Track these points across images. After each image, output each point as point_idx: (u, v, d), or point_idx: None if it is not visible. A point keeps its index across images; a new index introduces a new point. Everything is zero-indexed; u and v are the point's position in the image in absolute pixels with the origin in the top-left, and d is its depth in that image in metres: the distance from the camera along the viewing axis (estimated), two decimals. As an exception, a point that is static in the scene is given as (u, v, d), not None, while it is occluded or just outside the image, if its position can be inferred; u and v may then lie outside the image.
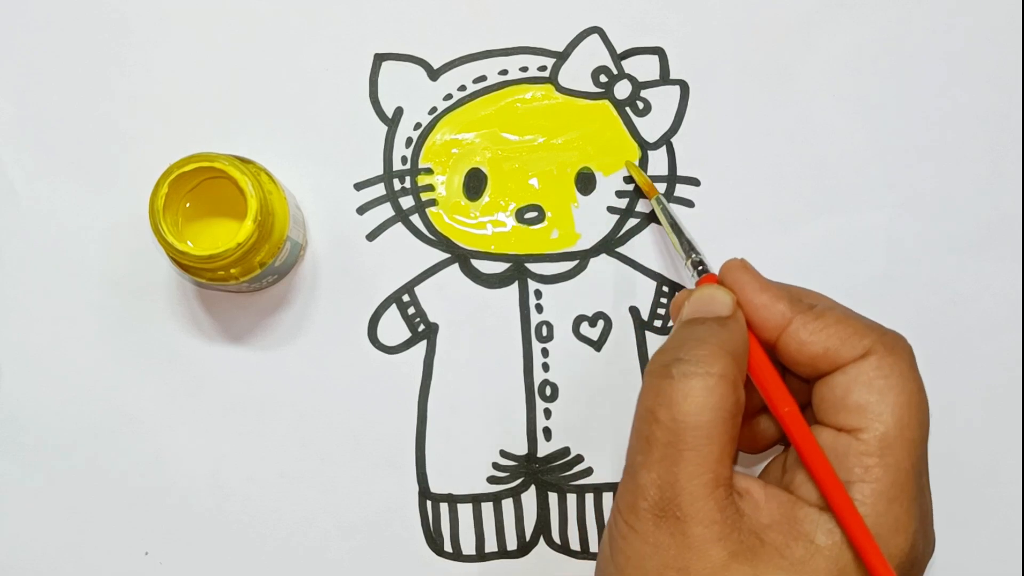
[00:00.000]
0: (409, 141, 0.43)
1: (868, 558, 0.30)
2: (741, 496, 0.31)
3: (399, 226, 0.43)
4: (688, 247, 0.38)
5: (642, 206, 0.43)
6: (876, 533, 0.30)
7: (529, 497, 0.43)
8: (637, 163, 0.43)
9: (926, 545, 0.32)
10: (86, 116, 0.43)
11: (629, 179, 0.43)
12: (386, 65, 0.43)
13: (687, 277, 0.42)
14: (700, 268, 0.37)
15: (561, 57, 0.43)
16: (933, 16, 0.44)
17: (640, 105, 0.43)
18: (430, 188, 0.43)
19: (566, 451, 0.43)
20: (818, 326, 0.33)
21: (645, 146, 0.43)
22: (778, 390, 0.33)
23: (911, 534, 0.31)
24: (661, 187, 0.43)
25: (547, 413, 0.43)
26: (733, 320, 0.33)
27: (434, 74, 0.43)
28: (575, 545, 0.42)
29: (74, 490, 0.42)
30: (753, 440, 0.37)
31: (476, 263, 0.43)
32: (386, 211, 0.43)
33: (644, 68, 0.44)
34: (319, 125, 0.43)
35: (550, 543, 0.43)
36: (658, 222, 0.43)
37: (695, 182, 0.43)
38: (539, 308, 0.43)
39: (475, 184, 0.43)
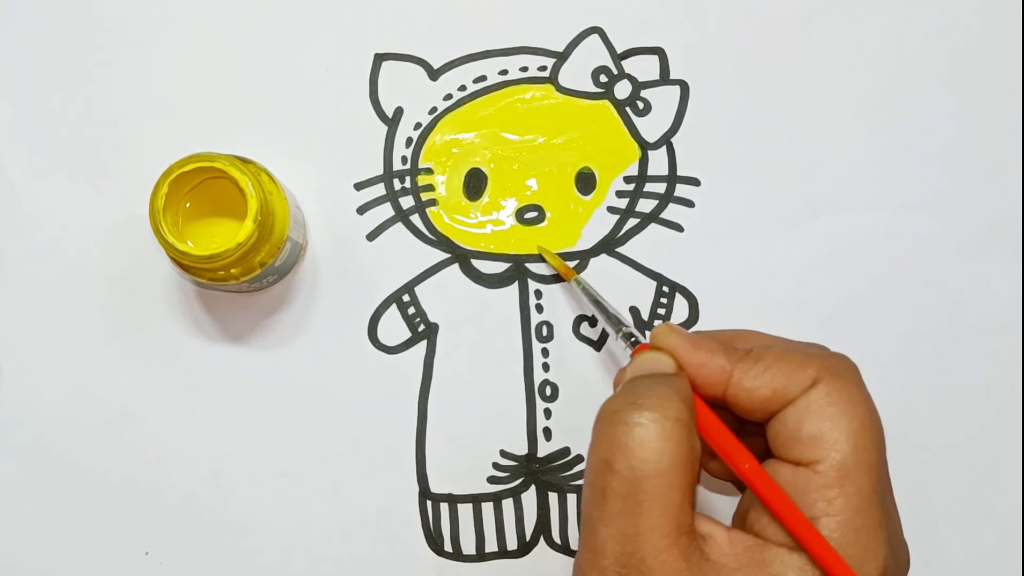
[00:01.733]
0: (409, 141, 0.43)
1: None
2: (705, 540, 0.31)
3: (399, 226, 0.43)
4: (617, 322, 0.37)
5: (642, 206, 0.43)
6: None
7: (529, 497, 0.43)
8: (637, 163, 0.43)
9: (897, 565, 0.32)
10: (86, 116, 0.43)
11: (630, 179, 0.43)
12: (386, 65, 0.43)
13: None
14: (632, 340, 0.36)
15: (561, 57, 0.43)
16: (933, 16, 0.44)
17: (640, 105, 0.43)
18: (430, 188, 0.43)
19: (566, 451, 0.43)
20: (759, 369, 0.32)
21: (645, 146, 0.43)
22: (733, 447, 0.32)
23: (881, 559, 0.30)
24: (661, 187, 0.43)
25: (547, 413, 0.43)
26: (678, 375, 0.33)
27: (434, 74, 0.43)
28: (575, 545, 0.42)
29: (74, 490, 0.42)
30: (716, 473, 0.36)
31: (476, 263, 0.43)
32: (386, 211, 0.43)
33: (644, 68, 0.44)
34: (319, 125, 0.43)
35: (550, 543, 0.43)
36: (660, 224, 0.43)
37: (695, 182, 0.43)
38: (539, 308, 0.43)
39: (475, 184, 0.43)
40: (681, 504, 0.30)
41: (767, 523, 0.31)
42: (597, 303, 0.39)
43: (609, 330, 0.38)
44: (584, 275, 0.43)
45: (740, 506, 0.34)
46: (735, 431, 0.33)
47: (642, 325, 0.43)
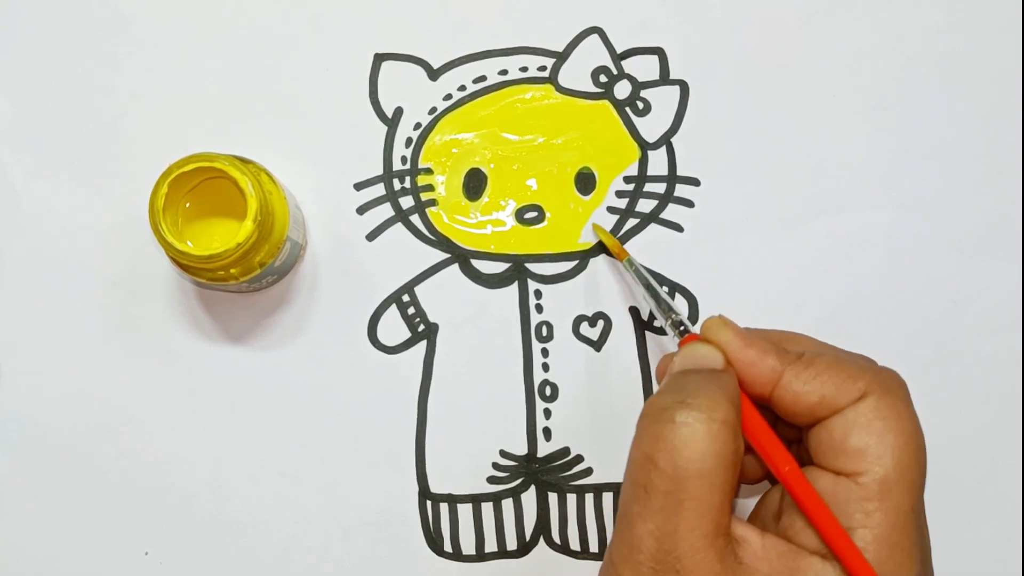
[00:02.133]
0: (409, 141, 0.43)
1: None
2: (739, 544, 0.31)
3: (399, 226, 0.43)
4: (668, 308, 0.37)
5: (642, 206, 0.43)
6: None
7: (529, 497, 0.43)
8: (637, 163, 0.43)
9: None
10: (85, 116, 0.43)
11: (629, 179, 0.43)
12: (386, 65, 0.43)
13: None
14: (682, 328, 0.36)
15: (561, 57, 0.43)
16: (933, 16, 0.44)
17: (640, 105, 0.43)
18: (430, 188, 0.43)
19: (566, 451, 0.43)
20: (810, 375, 0.32)
21: (645, 146, 0.43)
22: (776, 448, 0.32)
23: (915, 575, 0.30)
24: (661, 187, 0.43)
25: (547, 413, 0.43)
26: (727, 372, 0.33)
27: (434, 74, 0.43)
28: (575, 545, 0.42)
29: (74, 490, 0.42)
30: (742, 476, 0.36)
31: (476, 263, 0.43)
32: (386, 211, 0.43)
33: (644, 68, 0.44)
34: (319, 125, 0.43)
35: (550, 543, 0.43)
36: (660, 224, 0.43)
37: (695, 182, 0.43)
38: (539, 308, 0.43)
39: (475, 184, 0.43)
40: (721, 506, 0.30)
41: (800, 529, 0.31)
42: (649, 286, 0.38)
43: (658, 315, 0.37)
44: (584, 275, 0.43)
45: (763, 507, 0.34)
46: None
47: (642, 325, 0.43)
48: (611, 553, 0.31)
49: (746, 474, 0.35)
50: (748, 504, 0.40)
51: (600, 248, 0.43)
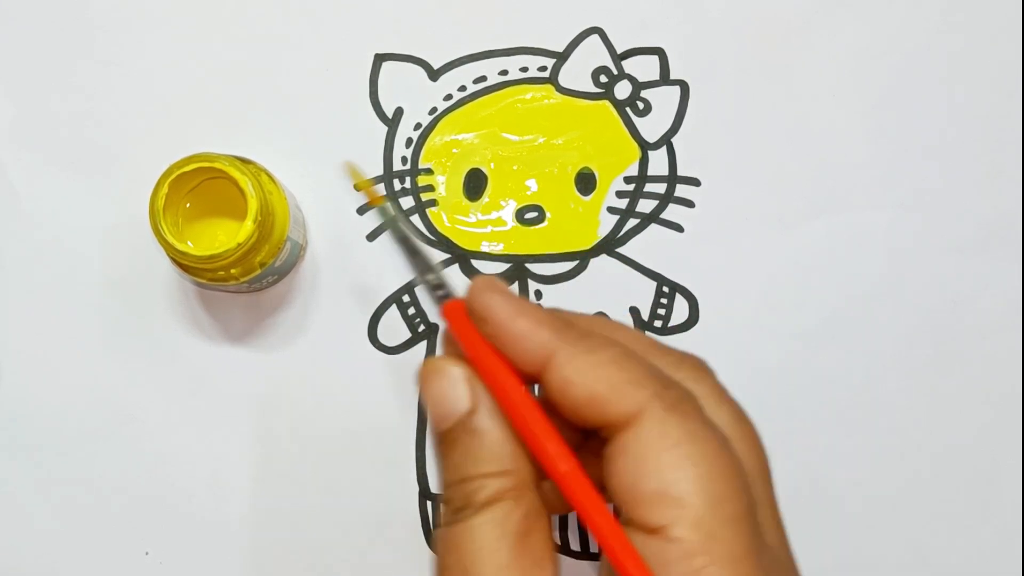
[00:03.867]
0: (409, 141, 0.43)
1: None
2: None
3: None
4: (424, 267, 0.30)
5: (643, 206, 0.43)
6: None
7: (529, 497, 0.43)
8: (637, 163, 0.43)
9: None
10: (86, 116, 0.43)
11: (630, 179, 0.43)
12: (386, 65, 0.43)
13: (699, 278, 0.42)
14: (441, 293, 0.29)
15: (561, 57, 0.43)
16: (933, 16, 0.44)
17: (640, 105, 0.43)
18: (430, 188, 0.43)
19: (566, 451, 0.43)
20: (587, 363, 0.26)
21: (645, 146, 0.43)
22: (552, 443, 0.26)
23: None
24: (661, 187, 0.43)
25: (547, 413, 0.43)
26: (477, 416, 0.27)
27: (434, 74, 0.43)
28: (575, 545, 0.42)
29: (75, 490, 0.42)
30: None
31: (476, 263, 0.43)
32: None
33: (644, 68, 0.44)
34: (319, 125, 0.43)
35: (550, 543, 0.43)
36: (660, 224, 0.43)
37: (695, 182, 0.43)
38: (539, 308, 0.43)
39: (475, 184, 0.43)
40: None
41: None
42: (406, 240, 0.31)
43: (417, 277, 0.30)
44: (584, 275, 0.43)
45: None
46: None
47: (642, 325, 0.43)
48: None
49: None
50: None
51: (600, 247, 0.43)
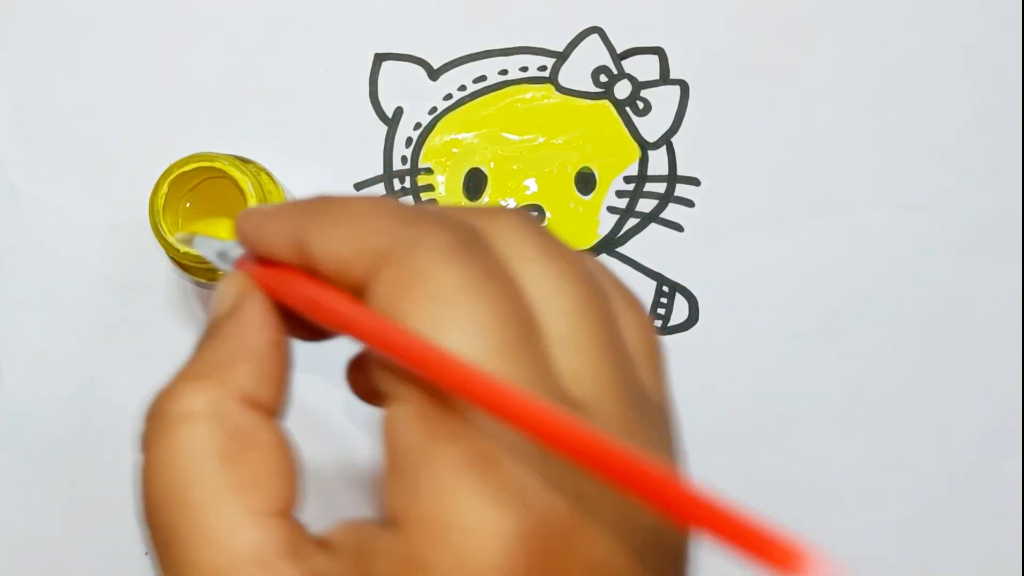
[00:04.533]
0: (409, 141, 0.43)
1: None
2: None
3: (399, 226, 0.43)
4: (212, 248, 0.28)
5: (642, 206, 0.43)
6: None
7: (529, 497, 0.43)
8: (637, 163, 0.43)
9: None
10: (86, 116, 0.43)
11: (630, 179, 0.43)
12: (386, 65, 0.43)
13: (699, 278, 0.42)
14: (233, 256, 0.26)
15: (561, 57, 0.43)
16: (933, 16, 0.44)
17: (640, 105, 0.43)
18: (430, 188, 0.43)
19: (566, 451, 0.43)
20: (329, 229, 0.21)
21: (645, 146, 0.43)
22: (318, 290, 0.21)
23: None
24: (661, 187, 0.43)
25: (547, 413, 0.43)
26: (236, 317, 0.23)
27: (434, 74, 0.43)
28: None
29: (74, 490, 0.42)
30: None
31: (476, 263, 0.43)
32: (386, 211, 0.43)
33: (644, 68, 0.44)
34: (319, 125, 0.43)
35: (550, 543, 0.42)
36: (660, 224, 0.43)
37: (695, 182, 0.43)
38: (539, 308, 0.43)
39: (475, 184, 0.43)
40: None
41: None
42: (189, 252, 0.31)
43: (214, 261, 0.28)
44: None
45: None
46: None
47: (642, 325, 0.43)
48: None
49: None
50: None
51: (601, 247, 0.43)
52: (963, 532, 0.42)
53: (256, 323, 0.23)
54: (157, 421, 0.23)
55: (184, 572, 0.21)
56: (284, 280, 0.22)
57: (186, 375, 0.24)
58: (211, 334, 0.24)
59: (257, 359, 0.23)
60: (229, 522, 0.21)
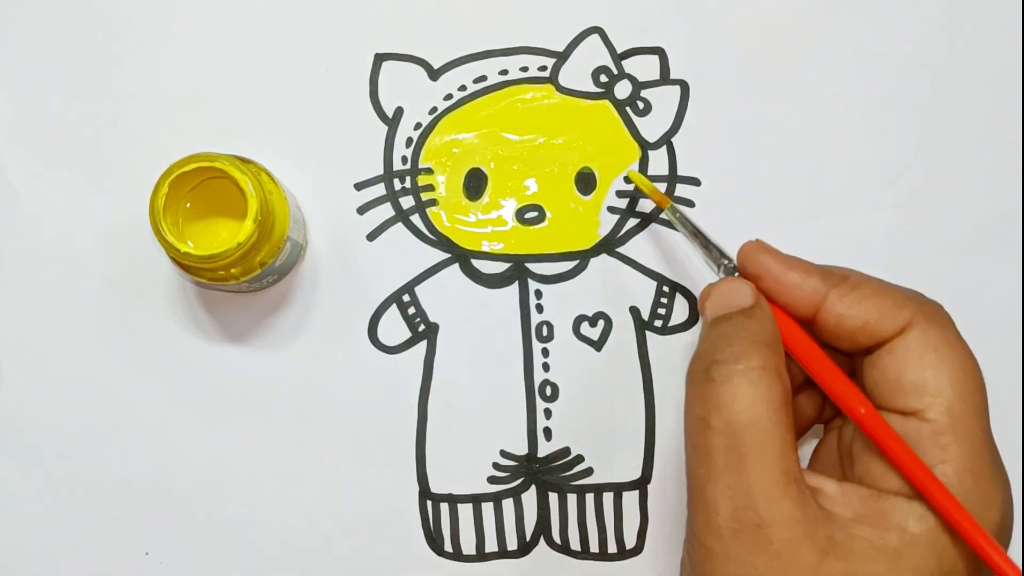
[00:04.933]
0: (409, 141, 0.43)
1: (970, 536, 0.29)
2: (816, 492, 0.30)
3: (399, 226, 0.43)
4: (718, 254, 0.36)
5: (642, 206, 0.43)
6: (968, 510, 0.29)
7: (529, 497, 0.43)
8: (637, 164, 0.43)
9: (1010, 510, 0.31)
10: (86, 116, 0.43)
11: (629, 179, 0.43)
12: (386, 65, 0.43)
13: (699, 278, 0.42)
14: (737, 275, 0.35)
15: (561, 57, 0.43)
16: (933, 16, 0.44)
17: (640, 105, 0.43)
18: (430, 188, 0.43)
19: (566, 451, 0.43)
20: (855, 298, 0.32)
21: (645, 146, 0.43)
22: (850, 391, 0.32)
23: (1000, 503, 0.30)
24: (661, 187, 0.43)
25: (547, 413, 0.43)
26: (758, 308, 0.32)
27: (434, 74, 0.43)
28: (575, 545, 0.42)
29: (74, 490, 0.42)
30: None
31: (476, 263, 0.43)
32: (386, 211, 0.43)
33: (644, 68, 0.44)
34: (319, 125, 0.43)
35: (550, 543, 0.43)
36: (660, 224, 0.43)
37: (695, 182, 0.43)
38: (539, 308, 0.43)
39: (475, 184, 0.43)
40: (783, 451, 0.30)
41: (880, 473, 0.31)
42: (698, 234, 0.37)
43: (709, 264, 0.37)
44: (584, 275, 0.43)
45: (824, 456, 0.34)
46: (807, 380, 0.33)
47: (642, 325, 0.43)
48: (690, 526, 0.31)
49: (798, 419, 0.35)
50: (803, 455, 0.40)
51: (600, 247, 0.43)
52: (963, 532, 0.42)
53: (772, 320, 0.33)
54: (712, 378, 0.31)
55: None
56: (799, 337, 0.33)
57: (731, 336, 0.32)
58: (745, 316, 0.32)
59: (778, 344, 0.32)
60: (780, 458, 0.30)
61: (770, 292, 0.33)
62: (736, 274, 0.35)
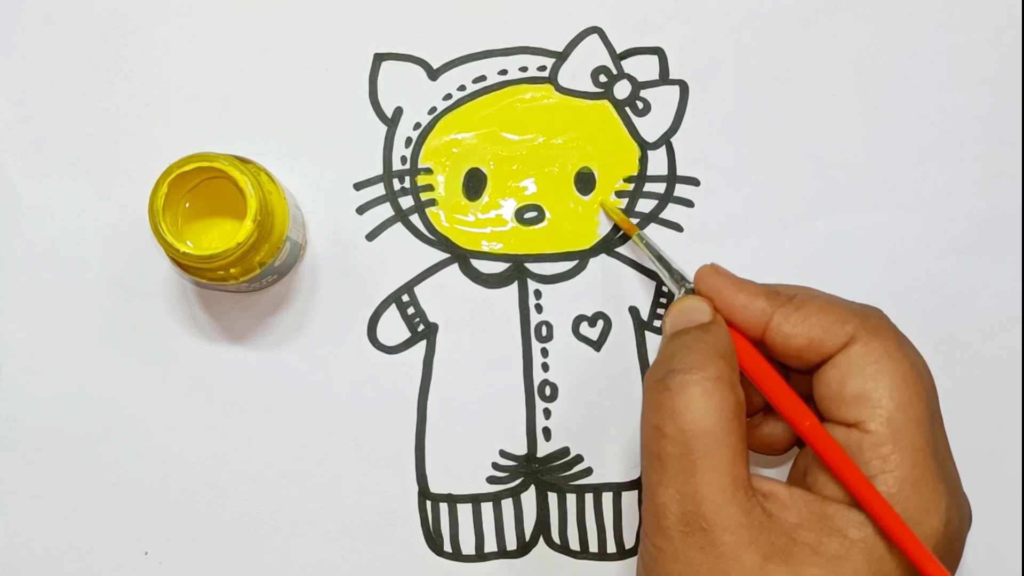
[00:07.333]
0: (409, 141, 0.43)
1: (904, 544, 0.30)
2: (766, 498, 0.32)
3: (399, 226, 0.43)
4: (680, 277, 0.38)
5: (642, 206, 0.43)
6: (907, 518, 0.30)
7: (529, 497, 0.43)
8: (637, 163, 0.43)
9: (961, 517, 0.32)
10: (86, 116, 0.43)
11: (629, 179, 0.43)
12: (386, 65, 0.43)
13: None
14: (688, 289, 0.37)
15: (561, 57, 0.43)
16: (933, 15, 0.44)
17: (640, 105, 0.43)
18: (430, 188, 0.43)
19: (566, 451, 0.43)
20: (799, 317, 0.33)
21: (645, 146, 0.43)
22: (795, 406, 0.33)
23: (943, 510, 0.31)
24: (660, 187, 0.43)
25: (547, 413, 0.43)
26: (715, 324, 0.34)
27: (434, 74, 0.43)
28: (575, 545, 0.42)
29: (74, 490, 0.42)
30: (771, 444, 0.37)
31: (476, 263, 0.43)
32: (386, 211, 0.43)
33: (644, 68, 0.44)
34: (319, 125, 0.43)
35: (550, 543, 0.43)
36: (660, 224, 0.43)
37: (695, 182, 0.43)
38: (539, 308, 0.43)
39: (475, 184, 0.43)
40: (733, 459, 0.31)
41: (826, 481, 0.32)
42: (660, 259, 0.39)
43: (672, 288, 0.38)
44: (584, 275, 0.43)
45: (796, 467, 0.35)
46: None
47: (642, 325, 0.43)
48: (642, 527, 0.33)
49: (775, 444, 0.36)
50: (784, 471, 0.40)
51: (600, 247, 0.43)
52: (963, 532, 0.42)
53: (728, 335, 0.34)
54: (668, 387, 0.32)
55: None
56: (750, 353, 0.34)
57: (688, 348, 0.33)
58: (702, 330, 0.34)
59: (733, 358, 0.33)
60: (727, 463, 0.31)
61: (722, 312, 0.35)
62: (688, 289, 0.37)
